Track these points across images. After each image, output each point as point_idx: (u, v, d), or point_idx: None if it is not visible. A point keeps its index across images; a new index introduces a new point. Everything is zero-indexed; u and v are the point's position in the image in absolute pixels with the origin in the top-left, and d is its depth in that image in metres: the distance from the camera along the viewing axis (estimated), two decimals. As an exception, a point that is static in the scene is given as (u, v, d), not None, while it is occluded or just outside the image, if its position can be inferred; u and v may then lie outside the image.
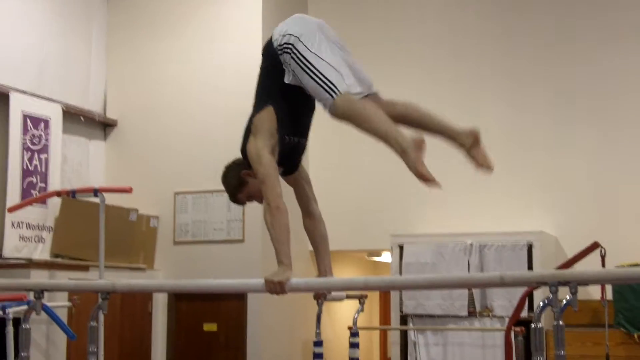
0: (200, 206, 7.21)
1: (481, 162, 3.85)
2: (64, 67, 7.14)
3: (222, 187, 7.17)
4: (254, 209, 6.97)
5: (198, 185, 7.20)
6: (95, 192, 5.46)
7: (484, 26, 7.52)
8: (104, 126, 7.56)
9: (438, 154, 7.48)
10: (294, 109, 3.90)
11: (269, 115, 3.84)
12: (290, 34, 3.76)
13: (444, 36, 7.61)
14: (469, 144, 3.90)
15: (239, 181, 3.92)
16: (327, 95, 3.62)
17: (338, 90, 3.61)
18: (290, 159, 3.98)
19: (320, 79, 3.66)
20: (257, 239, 6.98)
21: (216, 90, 7.24)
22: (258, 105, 3.90)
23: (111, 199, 6.16)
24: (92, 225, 5.82)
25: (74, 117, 7.13)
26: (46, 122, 6.70)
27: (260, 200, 3.94)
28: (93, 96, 7.47)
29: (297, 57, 3.72)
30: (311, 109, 4.00)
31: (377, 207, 7.57)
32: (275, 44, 3.80)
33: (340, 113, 3.62)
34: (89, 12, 7.49)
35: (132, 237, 6.90)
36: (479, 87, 7.44)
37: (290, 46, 3.73)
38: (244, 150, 3.88)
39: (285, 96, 3.87)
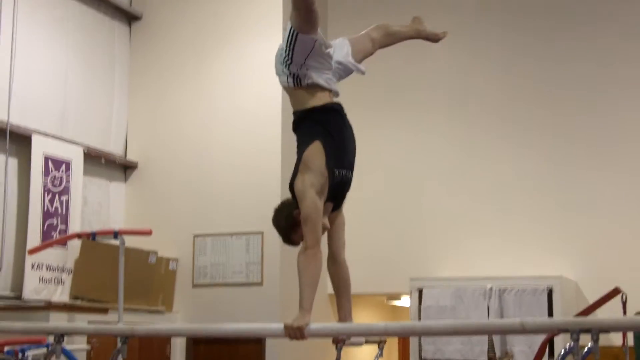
0: (219, 249, 7.22)
1: (434, 36, 4.55)
2: (86, 110, 7.22)
3: (241, 230, 7.29)
4: (271, 252, 7.02)
5: (217, 227, 7.22)
6: (115, 234, 5.48)
7: (506, 75, 7.54)
8: (125, 168, 7.62)
9: (459, 198, 7.58)
10: (340, 142, 3.91)
11: (317, 149, 3.84)
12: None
13: (468, 87, 7.65)
14: (423, 31, 4.50)
15: (291, 221, 3.84)
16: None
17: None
18: (338, 192, 3.97)
19: None
20: (275, 281, 6.97)
21: (235, 133, 7.29)
22: (304, 142, 3.89)
23: (131, 241, 6.17)
24: (111, 268, 5.83)
25: (95, 159, 7.19)
26: (67, 164, 6.76)
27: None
28: (114, 138, 7.54)
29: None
30: (354, 142, 4.02)
31: (397, 251, 7.55)
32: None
33: None
34: (112, 56, 7.59)
35: (151, 279, 6.91)
36: (499, 135, 7.46)
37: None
38: (292, 186, 3.87)
39: (330, 131, 3.88)
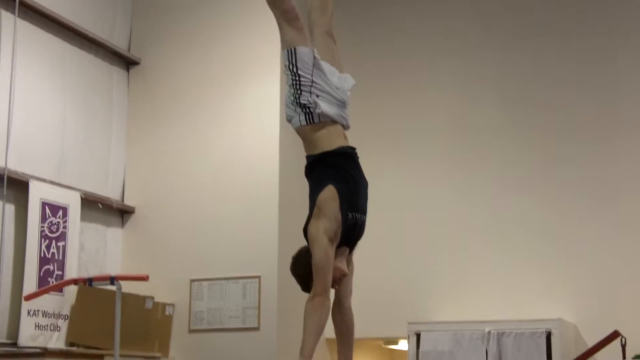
0: (215, 293, 7.19)
1: None
2: (84, 155, 7.24)
3: (237, 274, 7.26)
4: (268, 296, 6.99)
5: (214, 272, 7.21)
6: (112, 280, 5.44)
7: (502, 118, 7.60)
8: (122, 213, 7.61)
9: (458, 242, 7.57)
10: (353, 186, 3.92)
11: (330, 193, 3.86)
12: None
13: (468, 135, 7.70)
14: None
15: (310, 269, 3.82)
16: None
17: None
18: (352, 236, 3.97)
19: None
20: (272, 326, 6.93)
21: (232, 178, 7.31)
22: (318, 187, 3.89)
23: (127, 286, 6.14)
24: (107, 313, 5.79)
25: (92, 205, 7.19)
26: (64, 210, 6.76)
27: (335, 285, 3.89)
28: (111, 183, 7.55)
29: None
30: (366, 186, 4.03)
31: (394, 295, 7.53)
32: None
33: None
34: (110, 101, 7.63)
35: (147, 325, 6.87)
36: (498, 181, 7.50)
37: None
38: (306, 231, 3.87)
39: (343, 175, 3.89)
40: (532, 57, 7.59)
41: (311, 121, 3.99)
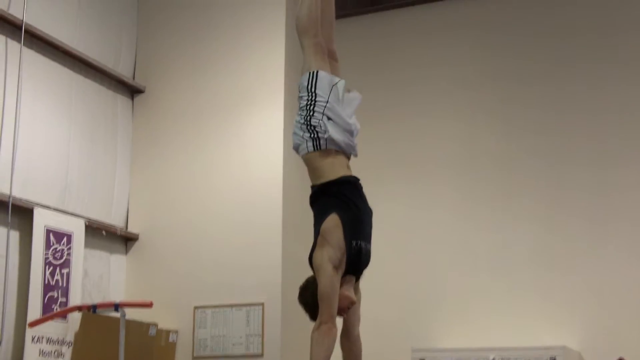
0: (219, 321, 7.19)
1: None
2: (89, 182, 7.27)
3: (241, 301, 7.25)
4: (272, 323, 6.98)
5: (217, 299, 7.20)
6: (116, 306, 5.47)
7: (509, 147, 7.63)
8: (126, 240, 7.63)
9: (462, 269, 7.56)
10: (357, 214, 3.95)
11: (334, 222, 3.89)
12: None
13: (472, 161, 7.73)
14: None
15: (317, 298, 3.86)
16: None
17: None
18: (357, 265, 3.98)
19: None
20: (276, 353, 6.92)
21: (236, 206, 7.32)
22: (322, 216, 3.93)
23: (131, 313, 6.15)
24: (111, 340, 5.79)
25: (96, 232, 7.21)
26: (69, 237, 6.78)
27: (343, 314, 3.91)
28: (115, 210, 7.58)
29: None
30: (370, 214, 4.06)
31: (398, 321, 7.52)
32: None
33: None
34: (114, 129, 7.68)
35: (150, 352, 6.86)
36: (501, 208, 7.51)
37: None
38: (311, 260, 3.90)
39: (347, 203, 3.93)
40: (536, 85, 7.63)
41: (318, 147, 4.04)
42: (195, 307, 7.27)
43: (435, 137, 7.86)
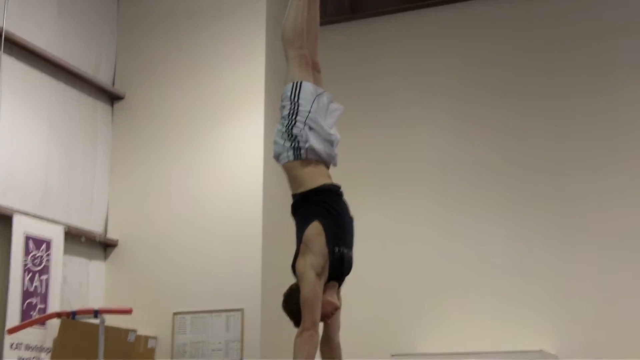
0: (198, 327, 7.20)
1: None
2: (68, 188, 7.27)
3: (220, 307, 7.25)
4: (252, 329, 7.01)
5: (197, 305, 7.22)
6: (96, 313, 5.47)
7: (486, 157, 7.70)
8: (105, 246, 7.63)
9: (442, 275, 7.61)
10: (339, 220, 3.99)
11: (316, 229, 3.94)
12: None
13: (453, 163, 7.80)
14: None
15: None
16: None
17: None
18: (340, 271, 4.03)
19: None
20: (255, 359, 6.95)
21: (215, 212, 7.34)
22: (304, 223, 3.97)
23: (110, 320, 6.15)
24: (90, 346, 5.79)
25: (75, 238, 7.21)
26: (48, 244, 6.78)
27: (327, 319, 3.95)
28: (95, 217, 7.58)
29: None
30: (352, 221, 4.11)
31: (377, 326, 7.56)
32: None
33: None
34: (94, 135, 7.68)
35: (129, 358, 6.86)
36: (480, 215, 7.59)
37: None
38: (294, 267, 3.93)
39: (329, 211, 3.97)
40: (515, 94, 7.71)
41: (299, 156, 4.09)
42: (175, 313, 7.29)
43: (414, 146, 7.91)
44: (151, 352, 7.18)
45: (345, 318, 7.39)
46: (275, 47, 7.56)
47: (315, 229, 3.95)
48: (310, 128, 4.13)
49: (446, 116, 7.88)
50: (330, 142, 4.24)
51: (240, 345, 7.05)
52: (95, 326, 5.56)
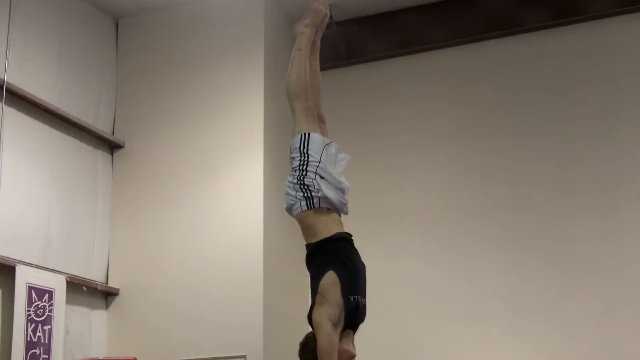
0: (200, 374, 7.18)
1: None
2: (69, 238, 7.31)
3: (223, 354, 7.24)
4: (254, 376, 7.01)
5: (199, 353, 7.20)
6: (100, 363, 5.49)
7: (482, 197, 7.76)
8: (106, 295, 7.64)
9: (439, 318, 7.57)
10: (353, 270, 4.05)
11: (332, 279, 3.99)
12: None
13: (446, 204, 7.84)
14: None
15: (317, 355, 3.98)
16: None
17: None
18: (354, 319, 4.07)
19: None
20: (259, 406, 6.94)
21: (216, 260, 7.36)
22: (319, 273, 4.01)
23: (113, 369, 6.20)
24: (94, 397, 5.81)
25: (77, 287, 7.22)
26: (50, 294, 6.80)
27: None
28: (96, 266, 7.60)
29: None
30: (364, 270, 4.16)
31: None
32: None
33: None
34: (95, 184, 7.73)
35: (133, 407, 6.86)
36: (478, 255, 7.62)
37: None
38: (310, 318, 3.98)
39: (343, 260, 4.02)
40: (511, 137, 7.78)
41: (312, 206, 4.15)
42: (177, 361, 7.28)
43: (410, 189, 7.96)
44: (154, 400, 7.17)
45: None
46: (274, 94, 7.67)
47: (330, 279, 4.00)
48: (322, 177, 4.21)
49: (442, 159, 7.93)
50: (342, 190, 4.32)
51: (243, 392, 7.03)
52: (100, 376, 5.59)
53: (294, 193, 4.20)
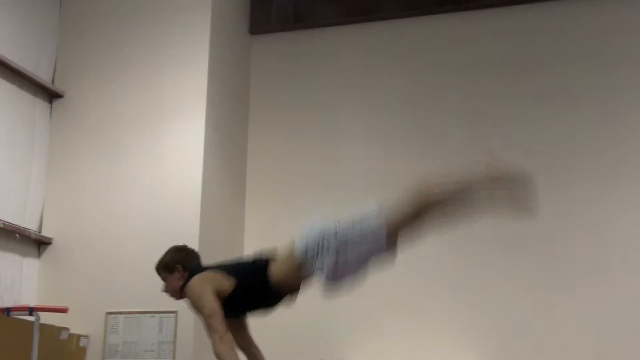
0: (131, 327, 7.23)
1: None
2: (3, 186, 7.23)
3: (154, 309, 7.28)
4: (185, 331, 7.06)
5: (130, 306, 7.24)
6: (31, 310, 5.49)
7: (422, 171, 7.80)
8: (39, 244, 7.60)
9: (373, 287, 7.68)
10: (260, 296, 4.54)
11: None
12: None
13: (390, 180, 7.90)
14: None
15: (170, 266, 4.68)
16: None
17: None
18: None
19: None
20: (187, 361, 7.01)
21: (152, 213, 7.37)
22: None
23: (43, 317, 6.18)
24: (23, 343, 5.81)
25: (9, 234, 7.17)
26: (-18, 239, 6.75)
27: (173, 295, 4.61)
28: (30, 214, 7.54)
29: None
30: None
31: (308, 337, 7.63)
32: None
33: None
34: (32, 133, 7.65)
35: (61, 356, 6.87)
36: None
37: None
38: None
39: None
40: (454, 113, 7.85)
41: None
42: (108, 313, 7.30)
43: (347, 159, 8.01)
44: (83, 350, 7.19)
45: (276, 326, 7.54)
46: (219, 50, 7.66)
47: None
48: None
49: (381, 131, 7.98)
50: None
51: (173, 347, 7.10)
52: (30, 323, 5.59)
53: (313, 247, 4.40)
